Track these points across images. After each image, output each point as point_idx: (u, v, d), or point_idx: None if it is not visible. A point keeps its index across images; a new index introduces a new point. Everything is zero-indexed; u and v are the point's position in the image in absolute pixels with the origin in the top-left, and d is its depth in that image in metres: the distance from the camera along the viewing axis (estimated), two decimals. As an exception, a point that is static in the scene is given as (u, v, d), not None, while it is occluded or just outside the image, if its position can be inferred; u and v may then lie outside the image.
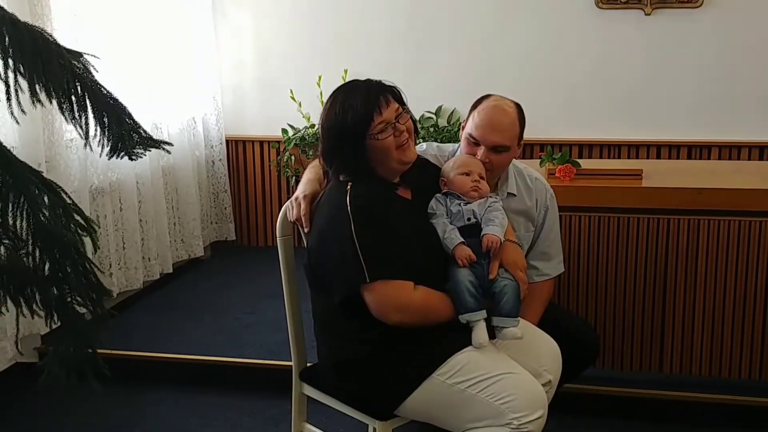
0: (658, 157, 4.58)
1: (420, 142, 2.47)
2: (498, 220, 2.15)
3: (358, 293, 2.02)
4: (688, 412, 2.87)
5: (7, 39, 1.55)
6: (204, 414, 3.00)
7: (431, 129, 4.67)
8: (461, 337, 2.05)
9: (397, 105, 2.09)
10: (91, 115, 1.66)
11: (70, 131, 3.43)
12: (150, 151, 1.78)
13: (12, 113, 1.59)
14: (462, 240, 2.10)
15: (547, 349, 2.19)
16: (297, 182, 4.57)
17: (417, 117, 2.22)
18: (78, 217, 1.66)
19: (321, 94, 4.70)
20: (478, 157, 2.32)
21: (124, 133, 1.69)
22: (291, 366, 2.43)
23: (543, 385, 2.06)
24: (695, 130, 4.54)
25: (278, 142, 4.96)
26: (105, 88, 1.72)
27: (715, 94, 4.51)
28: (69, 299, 1.67)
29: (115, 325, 3.38)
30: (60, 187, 1.69)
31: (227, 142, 5.04)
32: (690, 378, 2.96)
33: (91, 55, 1.72)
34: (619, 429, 2.85)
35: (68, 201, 1.67)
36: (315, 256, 2.14)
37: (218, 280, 4.47)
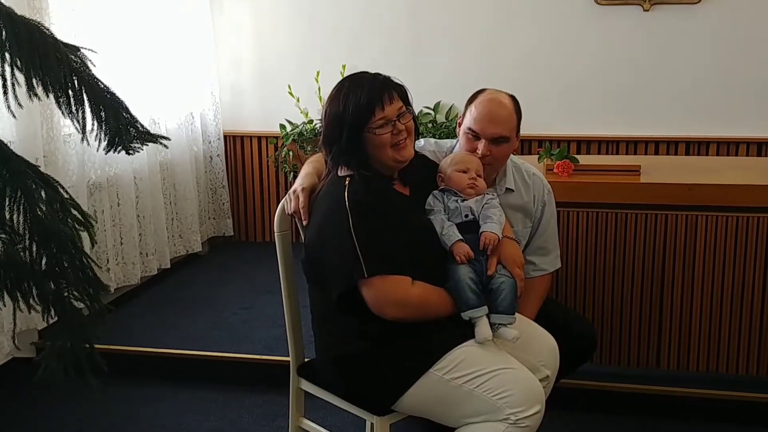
0: (656, 153, 4.58)
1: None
2: (495, 217, 2.15)
3: (355, 288, 2.02)
4: (684, 407, 2.88)
5: (4, 33, 1.55)
6: (201, 409, 3.00)
7: (429, 125, 4.66)
8: (459, 333, 2.05)
9: (401, 104, 2.10)
10: (88, 110, 1.66)
11: (68, 126, 3.42)
12: (147, 145, 1.79)
13: (9, 107, 1.59)
14: (460, 237, 2.11)
15: (544, 345, 2.19)
16: (295, 178, 4.57)
17: (416, 112, 2.22)
18: (75, 212, 1.66)
19: (319, 89, 4.70)
20: (479, 151, 2.33)
21: (121, 128, 1.69)
22: (289, 361, 2.42)
23: (540, 380, 2.07)
24: (693, 126, 4.55)
25: (276, 137, 4.96)
26: (102, 83, 1.72)
27: (713, 90, 4.51)
28: (66, 294, 1.67)
29: (113, 321, 3.38)
30: (57, 181, 1.69)
31: (225, 137, 5.03)
32: (687, 373, 2.96)
33: (89, 50, 1.71)
34: (617, 424, 2.85)
35: (65, 196, 1.67)
36: (313, 250, 2.14)
37: (216, 275, 4.47)
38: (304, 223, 2.20)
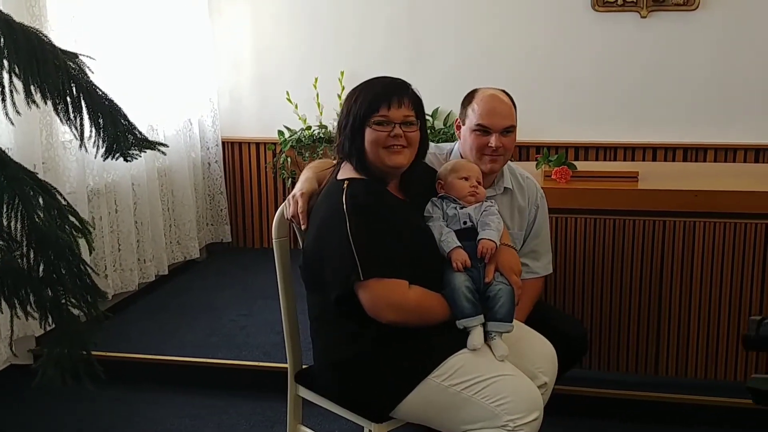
0: (654, 159, 4.58)
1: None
2: (494, 224, 2.15)
3: (353, 291, 2.02)
4: (683, 414, 2.87)
5: (2, 39, 1.55)
6: (199, 416, 2.99)
7: (427, 131, 4.66)
8: (457, 339, 2.05)
9: (410, 112, 2.12)
10: (86, 116, 1.66)
11: (67, 132, 3.40)
12: (145, 152, 1.78)
13: (7, 114, 1.59)
14: (458, 244, 2.11)
15: (542, 351, 2.19)
16: (293, 184, 4.57)
17: (427, 132, 2.25)
18: (73, 219, 1.66)
19: (317, 96, 4.70)
20: (492, 144, 2.39)
21: (119, 134, 1.69)
22: (286, 368, 2.42)
23: (539, 386, 2.07)
24: (691, 133, 4.55)
25: (274, 144, 4.96)
26: (100, 89, 1.72)
27: (711, 96, 4.52)
28: (64, 301, 1.67)
29: (110, 327, 3.38)
30: (55, 188, 1.68)
31: (223, 143, 5.03)
32: (685, 380, 2.96)
33: (87, 56, 1.72)
34: (615, 431, 2.84)
35: (63, 202, 1.67)
36: (311, 254, 2.14)
37: (214, 281, 4.47)
38: (303, 227, 2.20)
